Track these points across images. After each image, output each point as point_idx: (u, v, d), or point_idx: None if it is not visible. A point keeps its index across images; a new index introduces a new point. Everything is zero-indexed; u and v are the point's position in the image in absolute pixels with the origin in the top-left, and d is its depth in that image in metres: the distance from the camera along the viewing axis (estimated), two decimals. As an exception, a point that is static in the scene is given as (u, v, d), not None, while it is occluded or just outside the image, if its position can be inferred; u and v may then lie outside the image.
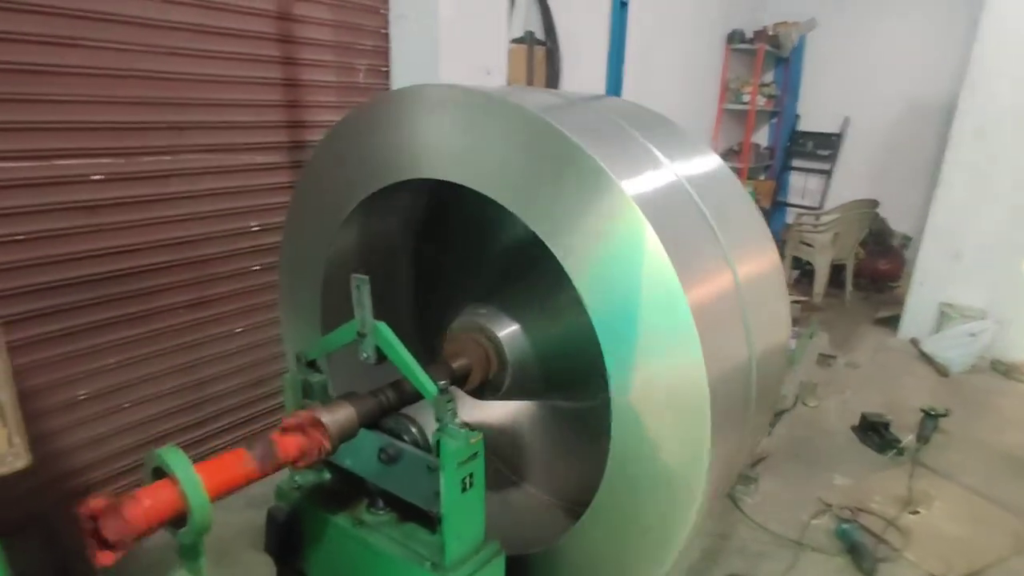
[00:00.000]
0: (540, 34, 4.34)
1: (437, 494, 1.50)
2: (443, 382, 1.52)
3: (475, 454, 1.51)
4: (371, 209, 1.98)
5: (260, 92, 2.89)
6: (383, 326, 1.58)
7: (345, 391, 1.62)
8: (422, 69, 3.47)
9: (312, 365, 1.77)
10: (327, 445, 1.46)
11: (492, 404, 2.59)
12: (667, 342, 1.40)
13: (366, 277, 1.56)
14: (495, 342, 1.92)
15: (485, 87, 2.04)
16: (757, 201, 7.06)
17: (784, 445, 3.63)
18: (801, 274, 6.47)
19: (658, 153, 1.73)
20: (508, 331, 1.94)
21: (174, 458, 1.22)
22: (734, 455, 1.69)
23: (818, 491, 3.18)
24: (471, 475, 1.51)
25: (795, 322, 4.38)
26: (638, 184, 1.48)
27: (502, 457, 2.51)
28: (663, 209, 1.49)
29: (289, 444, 1.40)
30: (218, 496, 1.27)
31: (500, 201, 1.60)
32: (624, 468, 1.55)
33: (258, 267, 3.02)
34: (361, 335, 1.60)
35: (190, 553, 1.29)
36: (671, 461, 1.46)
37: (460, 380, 1.90)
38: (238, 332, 3.00)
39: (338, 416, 1.51)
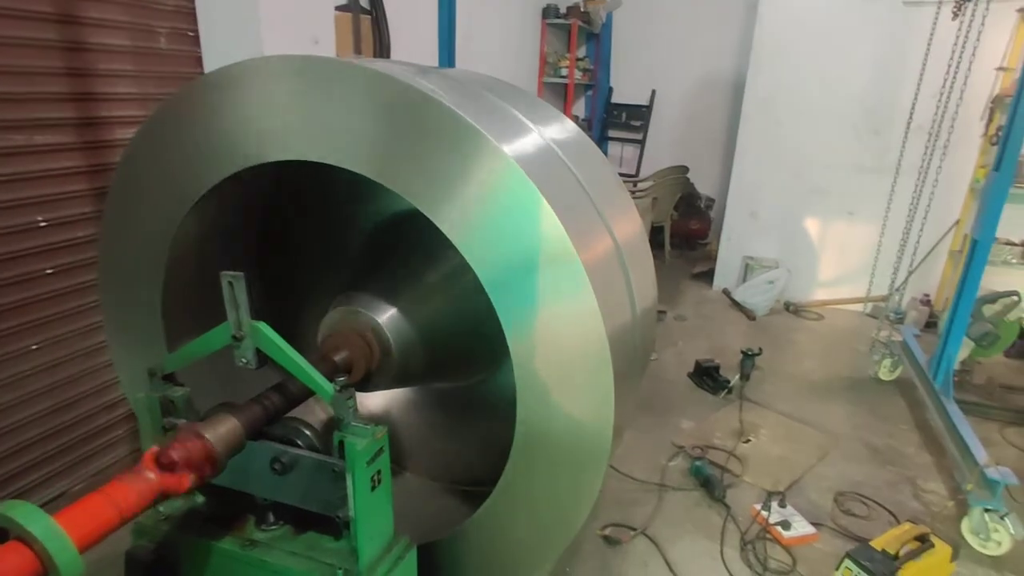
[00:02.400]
0: (365, 2, 4.12)
1: (343, 498, 1.40)
2: (341, 379, 1.41)
3: (381, 450, 1.42)
4: (207, 207, 1.76)
5: (31, 57, 2.40)
6: (264, 326, 1.42)
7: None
8: (238, 33, 3.12)
9: (170, 378, 1.54)
10: (211, 468, 1.29)
11: (367, 396, 2.48)
12: (565, 300, 1.41)
13: (240, 274, 1.38)
14: (376, 329, 1.82)
15: (327, 57, 1.89)
16: (583, 172, 7.47)
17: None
18: (626, 238, 6.99)
19: (525, 120, 1.74)
20: (387, 316, 1.84)
21: (26, 513, 0.98)
22: (625, 411, 1.78)
23: (670, 435, 3.50)
24: (379, 472, 1.42)
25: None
26: (515, 147, 1.47)
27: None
28: (542, 172, 1.48)
29: (168, 474, 1.20)
30: (92, 543, 1.06)
31: (371, 176, 1.49)
32: (532, 435, 1.55)
33: (51, 270, 2.55)
34: (237, 338, 1.42)
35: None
36: (580, 417, 1.49)
37: (343, 374, 1.78)
38: (34, 350, 2.52)
39: (221, 431, 1.33)
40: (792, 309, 5.55)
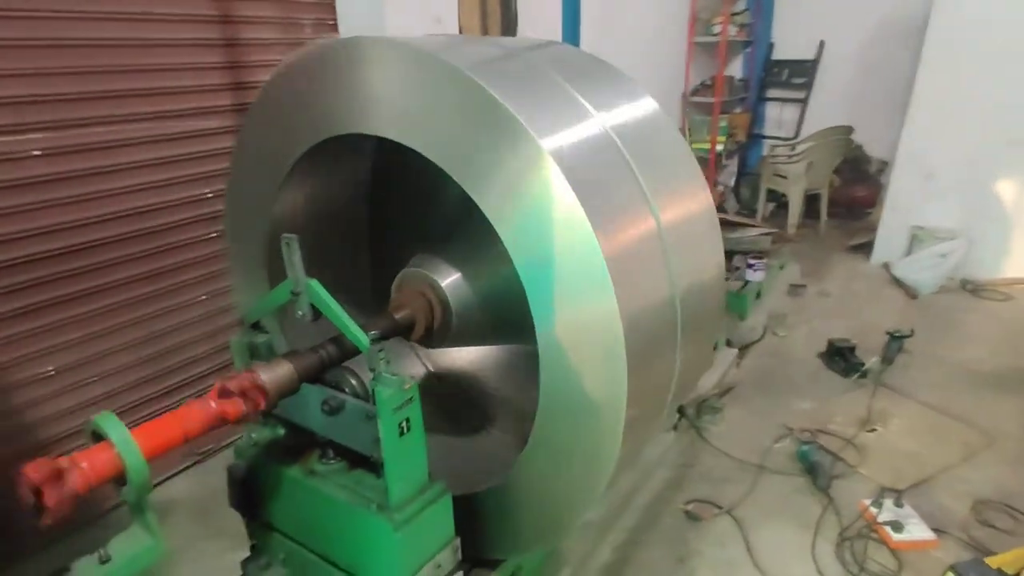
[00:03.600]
0: (493, -25, 4.21)
1: (377, 440, 1.56)
2: (373, 333, 1.56)
3: (410, 399, 1.56)
4: (315, 170, 2.00)
5: (199, 55, 2.84)
6: (315, 283, 1.61)
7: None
8: (369, 19, 3.39)
9: (256, 327, 1.81)
10: (262, 401, 1.52)
11: (459, 353, 2.66)
12: (583, 286, 1.45)
13: (294, 236, 1.58)
14: (438, 291, 1.96)
15: (418, 39, 2.02)
16: (733, 135, 7.00)
17: (752, 375, 3.73)
18: (777, 206, 6.48)
19: (584, 102, 1.73)
20: (450, 280, 1.97)
21: (109, 423, 1.26)
22: (662, 383, 1.75)
23: (783, 417, 3.29)
24: (407, 420, 1.56)
25: (765, 255, 4.44)
26: (555, 134, 1.50)
27: (471, 404, 2.59)
28: (580, 159, 1.51)
29: (225, 402, 1.45)
30: (157, 455, 1.33)
31: (430, 157, 1.61)
32: (554, 400, 1.62)
33: (215, 234, 3.03)
34: (295, 294, 1.63)
35: (137, 509, 1.36)
36: (593, 393, 1.53)
37: (406, 330, 1.95)
38: (202, 300, 3.03)
39: (276, 373, 1.55)
40: (970, 288, 4.81)
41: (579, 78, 1.82)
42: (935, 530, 2.49)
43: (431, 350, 2.79)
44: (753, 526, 2.58)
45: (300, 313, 1.65)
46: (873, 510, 2.55)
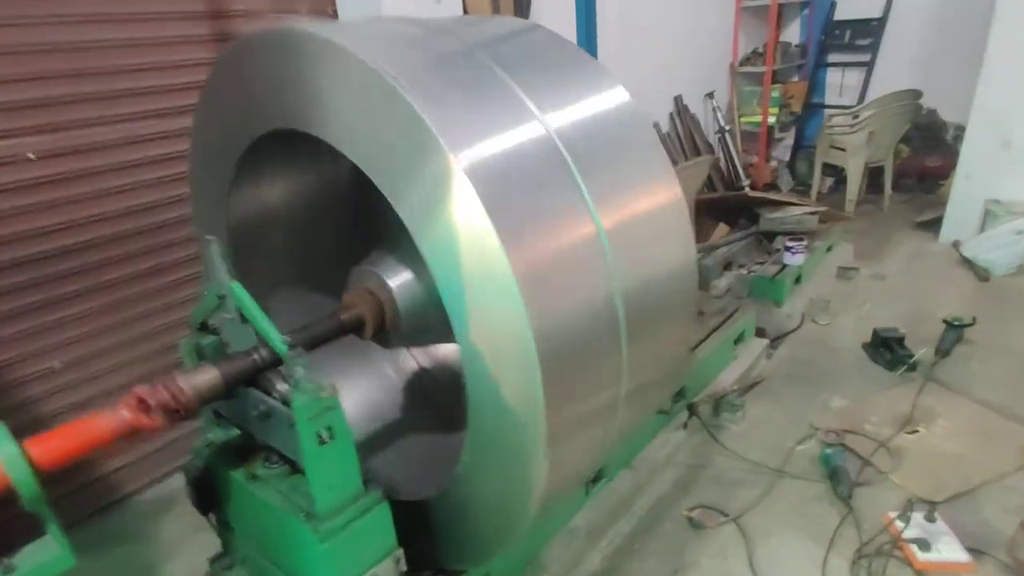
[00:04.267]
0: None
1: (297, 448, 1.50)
2: (286, 337, 1.49)
3: (329, 408, 1.48)
4: (292, 162, 2.00)
5: (191, 51, 2.84)
6: (237, 287, 1.55)
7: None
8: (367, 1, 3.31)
9: (204, 328, 1.78)
10: (184, 412, 1.47)
11: (450, 348, 2.58)
12: (493, 297, 1.37)
13: (213, 238, 1.53)
14: (389, 291, 1.87)
15: (361, 27, 1.91)
16: (788, 106, 6.52)
17: (784, 368, 3.44)
18: (836, 181, 5.98)
19: (527, 100, 1.59)
20: (400, 278, 1.88)
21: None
22: (602, 384, 1.60)
23: (813, 415, 3.01)
24: (329, 428, 1.49)
25: (809, 236, 4.10)
26: (473, 145, 1.39)
27: (447, 404, 2.50)
28: (499, 170, 1.41)
29: (139, 411, 1.41)
30: (56, 467, 1.31)
31: (357, 163, 1.52)
32: (479, 407, 1.53)
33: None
34: (220, 298, 1.58)
35: (43, 519, 1.34)
36: (513, 399, 1.44)
37: (357, 329, 1.88)
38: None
39: (199, 380, 1.51)
40: (1054, 269, 4.26)
41: (529, 70, 1.68)
42: (972, 550, 2.19)
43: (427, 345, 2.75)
44: (761, 537, 2.36)
45: (230, 316, 1.60)
46: (899, 524, 2.27)
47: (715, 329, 3.26)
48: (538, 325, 1.32)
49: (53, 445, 1.31)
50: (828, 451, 2.67)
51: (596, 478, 2.49)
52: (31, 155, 2.46)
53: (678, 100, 5.54)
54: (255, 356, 1.63)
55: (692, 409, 2.91)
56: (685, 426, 2.90)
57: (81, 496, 2.75)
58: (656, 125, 5.39)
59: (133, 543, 2.61)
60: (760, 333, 3.63)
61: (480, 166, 1.34)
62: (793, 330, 3.73)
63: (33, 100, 2.43)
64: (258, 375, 1.63)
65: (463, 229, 1.35)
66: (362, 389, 2.61)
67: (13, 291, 2.48)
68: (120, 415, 1.40)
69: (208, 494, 1.88)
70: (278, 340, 1.50)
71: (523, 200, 1.41)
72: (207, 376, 1.53)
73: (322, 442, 1.49)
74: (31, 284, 2.51)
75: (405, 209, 1.45)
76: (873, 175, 5.65)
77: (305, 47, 1.50)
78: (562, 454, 1.53)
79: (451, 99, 1.45)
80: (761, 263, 4.22)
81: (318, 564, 1.54)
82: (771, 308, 3.82)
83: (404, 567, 1.72)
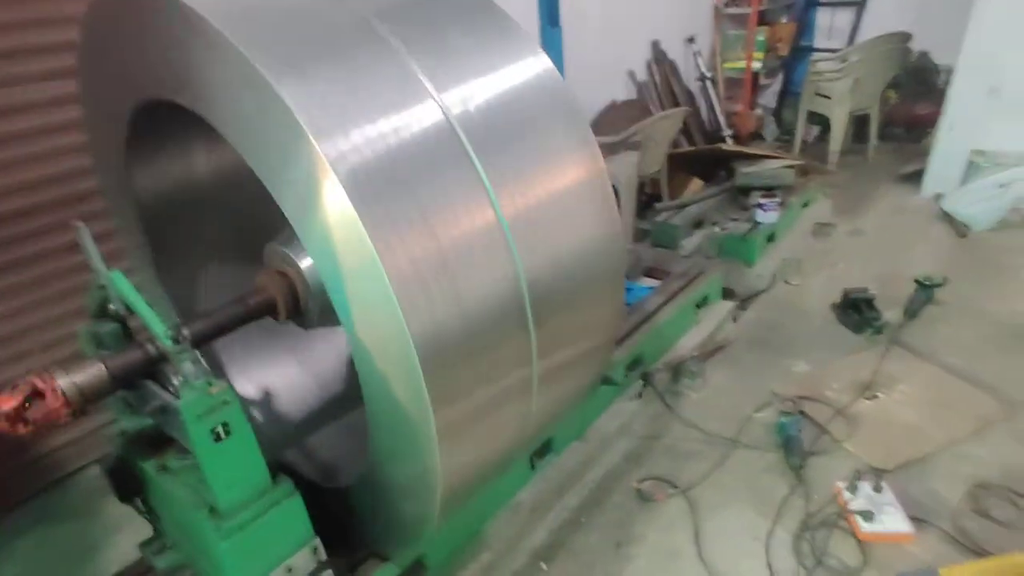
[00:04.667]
0: None
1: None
2: (171, 331, 1.40)
3: (223, 403, 1.41)
4: (169, 144, 1.84)
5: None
6: (118, 275, 1.46)
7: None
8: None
9: (104, 315, 1.68)
10: (66, 409, 1.40)
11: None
12: (368, 292, 1.29)
13: (82, 224, 1.42)
14: (299, 271, 1.76)
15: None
16: (775, 50, 6.23)
17: (750, 332, 3.37)
18: (823, 131, 5.76)
19: (420, 75, 1.44)
20: (310, 260, 1.77)
21: None
22: (507, 368, 1.54)
23: (772, 380, 2.95)
24: (224, 425, 1.42)
25: (782, 190, 3.96)
26: (349, 133, 1.27)
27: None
28: (379, 158, 1.30)
29: (6, 409, 1.33)
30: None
31: (237, 148, 1.40)
32: (372, 398, 1.47)
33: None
34: (102, 287, 1.48)
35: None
36: (401, 397, 1.38)
37: (271, 312, 1.78)
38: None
39: (80, 377, 1.42)
40: (1037, 223, 4.13)
41: (427, 36, 1.52)
42: (916, 519, 2.16)
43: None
44: (709, 509, 2.33)
45: (114, 307, 1.50)
46: (847, 495, 2.24)
47: (676, 293, 3.17)
48: (419, 327, 1.24)
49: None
50: (784, 420, 2.62)
51: (543, 452, 2.45)
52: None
53: (655, 46, 5.27)
54: (148, 348, 1.55)
55: (646, 378, 2.84)
56: (640, 395, 2.84)
57: (32, 472, 2.72)
58: (631, 74, 5.15)
59: (79, 520, 2.58)
60: (729, 294, 3.55)
61: (353, 154, 1.23)
62: (763, 291, 3.63)
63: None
64: (154, 367, 1.56)
65: (336, 223, 1.26)
66: (318, 356, 2.55)
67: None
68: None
69: (130, 480, 1.82)
70: (162, 332, 1.41)
71: (404, 190, 1.30)
72: (91, 372, 1.45)
73: (218, 439, 1.43)
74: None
75: (283, 198, 1.35)
76: (859, 124, 5.44)
77: (172, 12, 1.35)
78: (462, 443, 1.47)
79: (325, 78, 1.31)
80: (735, 220, 4.11)
81: (223, 560, 1.50)
82: (741, 268, 3.72)
83: (323, 555, 1.68)
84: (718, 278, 3.38)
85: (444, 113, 1.39)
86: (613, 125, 4.20)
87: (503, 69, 1.56)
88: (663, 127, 3.96)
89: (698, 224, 4.06)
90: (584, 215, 1.60)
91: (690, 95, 5.68)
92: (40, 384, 1.37)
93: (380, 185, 1.24)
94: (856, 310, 3.29)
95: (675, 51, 5.49)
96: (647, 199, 4.47)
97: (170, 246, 2.16)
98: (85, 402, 1.43)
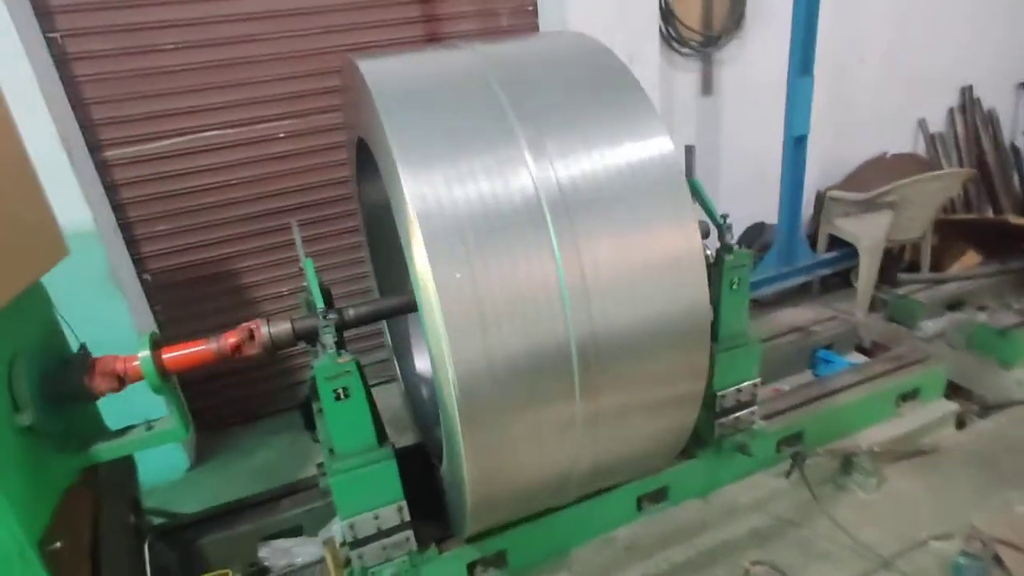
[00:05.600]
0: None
1: (328, 400, 1.91)
2: (322, 307, 1.88)
3: (345, 372, 1.84)
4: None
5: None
6: (308, 264, 1.99)
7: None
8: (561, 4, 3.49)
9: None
10: (262, 349, 1.99)
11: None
12: (431, 328, 1.59)
13: (295, 222, 1.98)
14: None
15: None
16: None
17: (978, 445, 2.78)
18: None
19: (523, 141, 1.68)
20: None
21: (142, 343, 1.89)
22: (538, 431, 1.73)
23: (979, 512, 2.42)
24: (344, 388, 1.85)
25: None
26: (438, 190, 1.58)
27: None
28: (459, 219, 1.58)
29: (230, 342, 1.96)
30: (182, 369, 1.92)
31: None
32: (441, 406, 1.75)
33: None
34: (301, 270, 2.05)
35: (168, 402, 1.97)
36: (447, 409, 1.66)
37: (408, 310, 2.19)
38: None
39: (275, 329, 2.01)
40: None
41: (540, 104, 1.77)
42: None
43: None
44: None
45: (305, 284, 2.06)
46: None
47: (875, 377, 2.78)
48: (463, 360, 1.53)
49: (176, 355, 1.93)
50: (962, 560, 2.18)
51: (656, 497, 2.46)
52: (281, 134, 3.29)
53: (966, 92, 4.44)
54: (320, 319, 2.08)
55: (796, 459, 2.59)
56: (788, 475, 2.61)
57: (286, 392, 3.67)
58: (921, 122, 4.45)
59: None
60: (966, 396, 2.95)
61: (433, 212, 1.56)
62: (1018, 402, 2.93)
63: (285, 94, 3.24)
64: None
65: (420, 268, 1.58)
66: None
67: (260, 233, 3.39)
68: (227, 341, 1.97)
69: (310, 415, 2.44)
70: (318, 309, 1.90)
71: (477, 250, 1.57)
72: (282, 327, 2.02)
73: (338, 398, 1.88)
74: (274, 230, 3.39)
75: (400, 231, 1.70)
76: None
77: (361, 79, 1.83)
78: (490, 463, 1.70)
79: (437, 156, 1.64)
80: (1014, 308, 3.36)
81: (333, 490, 1.95)
82: (995, 368, 3.06)
83: (407, 516, 2.03)
84: (940, 372, 2.85)
85: (532, 182, 1.63)
86: (872, 180, 3.75)
87: (602, 141, 1.72)
88: (927, 189, 3.41)
89: (955, 305, 3.41)
90: (650, 288, 1.68)
91: (1014, 152, 4.66)
92: (253, 329, 1.99)
93: (455, 242, 1.55)
94: None
95: (995, 98, 4.56)
96: (903, 267, 3.88)
97: (375, 244, 2.77)
98: (275, 348, 2.02)
